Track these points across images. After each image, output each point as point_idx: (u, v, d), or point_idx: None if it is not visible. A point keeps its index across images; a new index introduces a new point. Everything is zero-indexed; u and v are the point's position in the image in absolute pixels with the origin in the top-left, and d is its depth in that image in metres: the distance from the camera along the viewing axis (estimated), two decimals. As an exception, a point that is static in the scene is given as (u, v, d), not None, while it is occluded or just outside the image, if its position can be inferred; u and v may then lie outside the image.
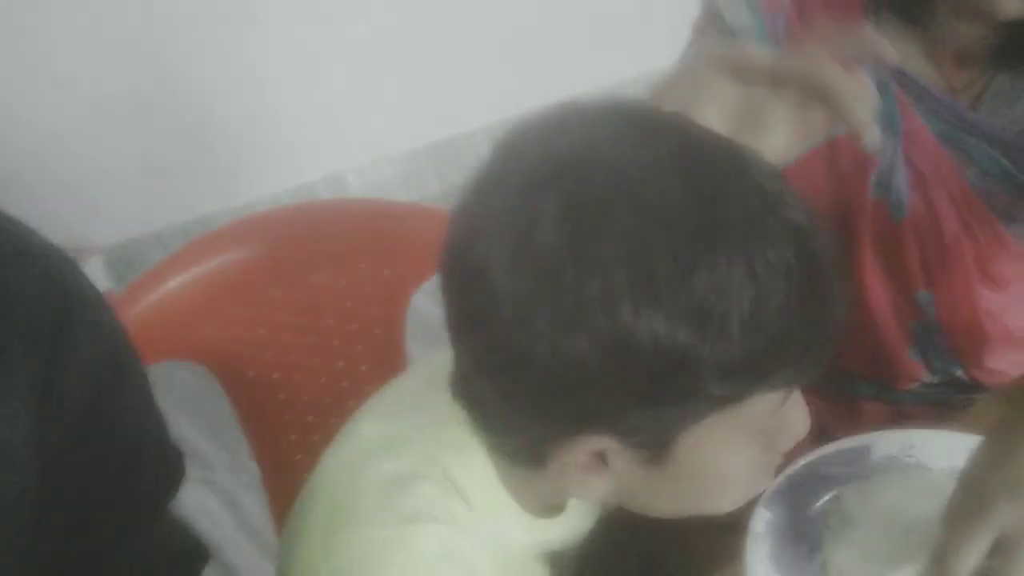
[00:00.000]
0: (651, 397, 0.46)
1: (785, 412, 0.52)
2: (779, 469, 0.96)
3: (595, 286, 0.42)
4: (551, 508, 0.62)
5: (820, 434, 1.00)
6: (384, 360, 1.00)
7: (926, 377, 0.98)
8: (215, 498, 1.72)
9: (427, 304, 0.83)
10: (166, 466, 0.62)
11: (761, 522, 0.66)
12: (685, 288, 0.42)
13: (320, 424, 0.94)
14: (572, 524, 0.64)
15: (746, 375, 0.45)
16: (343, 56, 2.36)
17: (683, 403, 0.46)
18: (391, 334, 1.01)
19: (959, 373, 0.97)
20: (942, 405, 0.99)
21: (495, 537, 0.58)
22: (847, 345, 1.00)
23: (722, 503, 0.56)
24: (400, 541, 0.52)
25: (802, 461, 0.70)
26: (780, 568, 0.63)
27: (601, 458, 0.50)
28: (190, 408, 1.88)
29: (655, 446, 0.49)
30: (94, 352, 0.54)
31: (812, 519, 0.67)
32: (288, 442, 0.97)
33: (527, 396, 0.48)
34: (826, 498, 0.69)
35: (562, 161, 0.46)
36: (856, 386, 1.02)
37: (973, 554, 0.53)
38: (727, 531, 0.94)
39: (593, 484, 0.51)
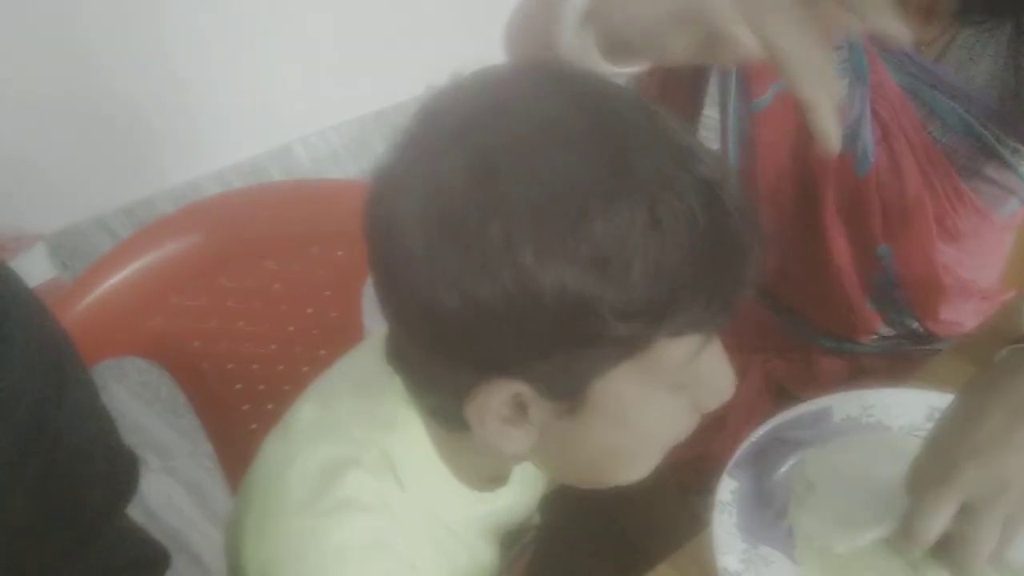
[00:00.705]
0: (556, 341, 0.46)
1: (705, 369, 0.52)
2: (743, 437, 0.98)
3: (498, 232, 0.44)
4: (492, 479, 0.63)
5: (780, 394, 1.01)
6: (343, 342, 0.96)
7: (883, 329, 1.00)
8: (177, 486, 1.69)
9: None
10: (117, 473, 0.60)
11: (727, 491, 0.66)
12: (585, 234, 0.43)
13: (280, 413, 0.93)
14: (516, 496, 0.65)
15: (647, 317, 0.46)
16: (281, 24, 2.30)
17: (588, 347, 0.47)
18: (349, 316, 0.99)
19: (915, 325, 0.98)
20: (898, 357, 1.00)
21: (433, 514, 0.59)
22: (809, 297, 1.01)
23: (641, 463, 0.56)
24: (326, 532, 0.53)
25: (764, 427, 0.70)
26: (747, 536, 0.64)
27: (520, 408, 0.50)
28: (146, 396, 1.85)
29: (569, 394, 0.50)
30: (32, 360, 0.52)
31: (777, 485, 0.68)
32: (247, 432, 0.95)
33: (441, 344, 0.49)
34: (790, 463, 0.69)
35: (472, 116, 0.47)
36: (815, 339, 1.03)
37: (940, 518, 0.54)
38: (693, 502, 0.95)
39: (514, 436, 0.52)
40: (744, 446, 0.69)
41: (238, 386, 0.94)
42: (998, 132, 0.85)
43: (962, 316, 0.99)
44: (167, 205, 2.14)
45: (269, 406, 0.97)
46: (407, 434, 0.57)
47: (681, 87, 0.98)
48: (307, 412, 0.59)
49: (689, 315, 0.47)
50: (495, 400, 0.50)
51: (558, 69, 0.51)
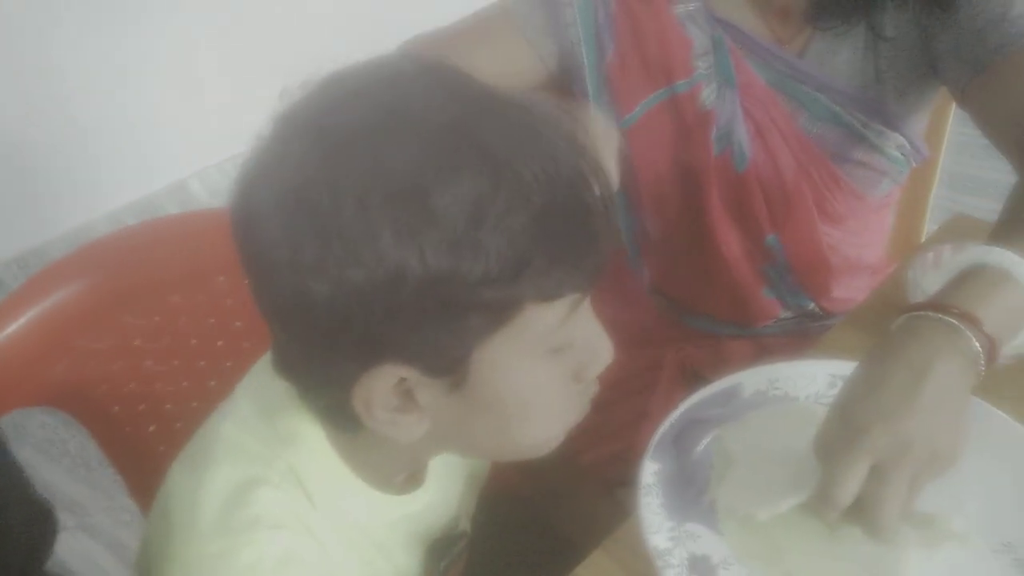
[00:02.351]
0: (425, 316, 0.47)
1: (579, 332, 0.53)
2: (660, 421, 1.00)
3: (352, 214, 0.45)
4: (406, 479, 0.63)
5: (695, 379, 1.05)
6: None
7: (782, 313, 1.04)
8: (95, 543, 1.62)
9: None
10: (34, 527, 0.58)
11: (649, 474, 0.68)
12: (434, 208, 0.44)
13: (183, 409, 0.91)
14: (434, 496, 0.65)
15: (505, 281, 0.46)
16: (170, 59, 2.25)
17: (457, 318, 0.48)
18: (262, 345, 0.97)
19: (811, 306, 1.03)
20: (799, 335, 1.05)
21: (349, 524, 0.59)
22: (707, 294, 1.05)
23: (536, 433, 0.57)
24: (236, 553, 0.52)
25: (679, 409, 0.73)
26: (672, 515, 0.66)
27: (407, 395, 0.51)
28: (53, 452, 1.77)
29: (450, 369, 0.50)
30: None
31: (696, 463, 0.70)
32: (147, 435, 0.92)
33: (316, 337, 0.49)
34: (707, 441, 0.72)
35: (324, 105, 0.48)
36: (720, 327, 1.07)
37: (853, 481, 0.56)
38: (623, 495, 0.97)
39: (406, 424, 0.52)
40: (662, 429, 0.71)
41: (152, 428, 0.91)
42: (863, 118, 0.90)
43: (853, 292, 1.04)
44: (61, 252, 2.06)
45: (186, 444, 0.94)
46: (309, 446, 0.57)
47: None
48: (211, 434, 0.59)
49: (548, 278, 0.48)
50: (379, 388, 0.50)
51: (422, 60, 0.52)
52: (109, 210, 2.25)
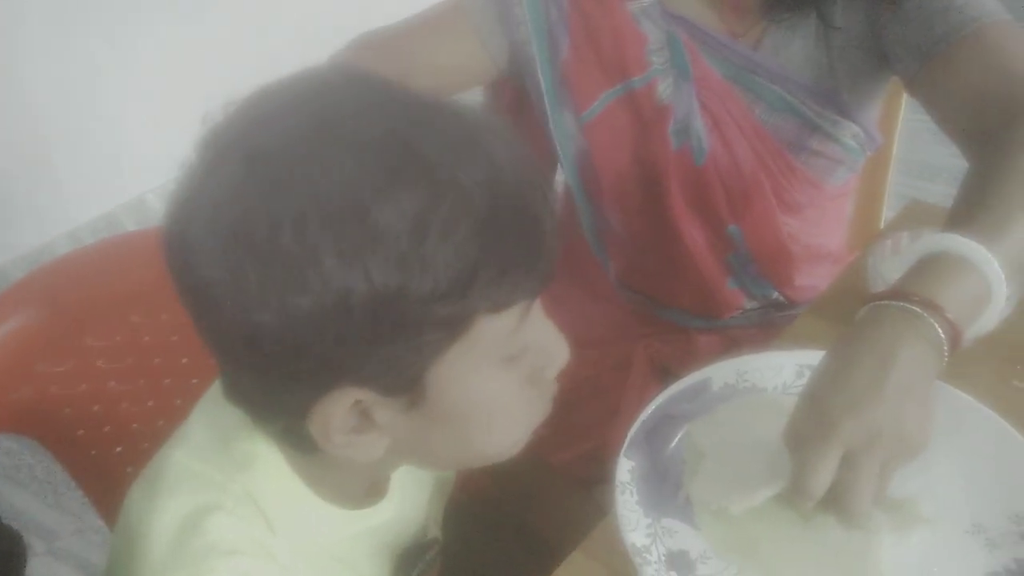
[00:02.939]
0: (376, 337, 0.46)
1: (532, 337, 0.52)
2: (631, 417, 1.01)
3: (290, 241, 0.43)
4: (369, 493, 0.62)
5: (665, 374, 1.05)
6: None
7: (747, 303, 1.05)
8: (66, 567, 1.59)
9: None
10: (3, 556, 0.57)
11: (624, 471, 0.68)
12: (374, 226, 0.43)
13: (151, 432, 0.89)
14: (399, 508, 0.64)
15: (454, 296, 0.46)
16: (124, 73, 2.21)
17: (410, 337, 0.47)
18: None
19: (775, 295, 1.05)
20: (766, 325, 1.06)
21: (310, 543, 0.58)
22: (672, 287, 1.05)
23: (499, 440, 0.56)
24: None
25: (651, 407, 0.73)
26: (649, 512, 0.66)
27: (364, 415, 0.50)
28: (19, 477, 1.73)
29: (406, 388, 0.50)
30: None
31: (670, 459, 0.70)
32: (115, 456, 0.91)
33: (267, 366, 0.48)
34: (679, 436, 0.72)
35: (255, 134, 0.46)
36: (687, 320, 1.08)
37: (825, 472, 0.57)
38: (598, 493, 0.98)
39: (364, 444, 0.52)
40: (635, 427, 0.71)
41: (119, 449, 0.90)
42: (817, 108, 0.91)
43: (816, 280, 1.06)
44: (22, 273, 2.02)
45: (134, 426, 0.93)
46: (266, 469, 0.56)
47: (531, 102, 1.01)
48: (163, 462, 0.57)
49: (499, 288, 0.47)
50: (337, 412, 0.49)
51: (349, 72, 0.50)
52: (68, 229, 2.21)
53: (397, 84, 0.49)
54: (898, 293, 0.62)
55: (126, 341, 0.88)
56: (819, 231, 1.04)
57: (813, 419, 0.59)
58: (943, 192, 2.25)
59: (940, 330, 0.60)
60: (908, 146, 1.25)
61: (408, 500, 0.67)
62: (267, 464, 0.56)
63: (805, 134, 0.93)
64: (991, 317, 0.64)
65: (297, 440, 0.53)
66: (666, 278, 1.04)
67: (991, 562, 0.60)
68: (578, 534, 0.90)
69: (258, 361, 0.48)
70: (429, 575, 0.74)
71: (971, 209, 0.68)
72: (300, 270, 0.43)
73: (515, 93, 1.05)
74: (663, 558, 0.63)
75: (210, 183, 0.46)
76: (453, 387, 0.50)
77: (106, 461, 0.88)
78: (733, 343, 1.05)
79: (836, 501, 0.58)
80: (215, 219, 0.45)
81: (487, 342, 0.49)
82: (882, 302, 0.62)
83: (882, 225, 1.27)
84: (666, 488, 0.68)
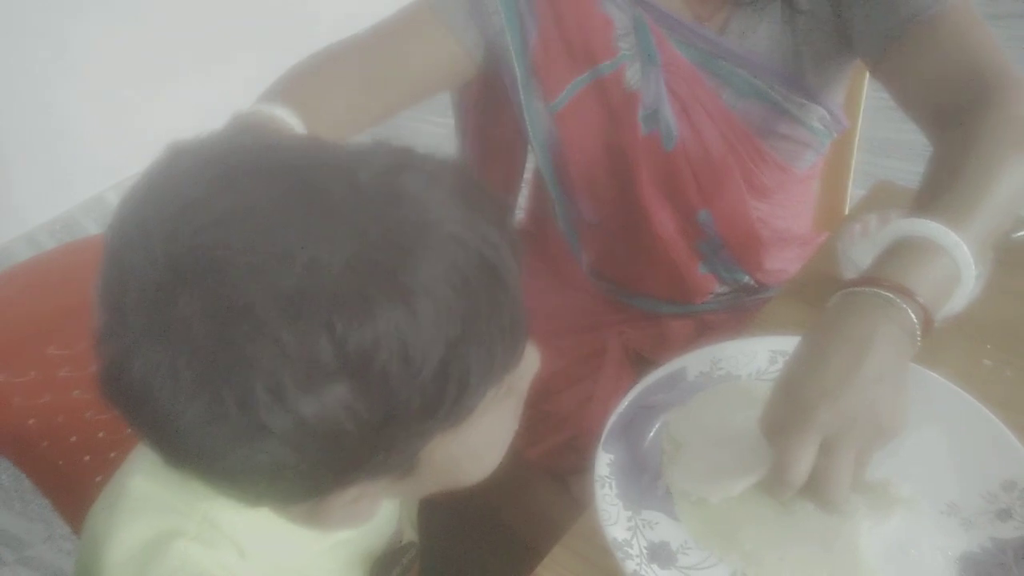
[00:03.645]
0: (368, 458, 0.45)
1: (517, 372, 0.51)
2: (612, 409, 1.01)
3: (260, 389, 0.39)
4: None
5: (639, 361, 1.05)
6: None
7: (718, 288, 1.06)
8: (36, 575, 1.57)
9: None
10: None
11: (603, 465, 0.68)
12: (347, 356, 0.40)
13: (117, 440, 0.87)
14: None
15: (451, 402, 0.44)
16: (77, 66, 2.16)
17: (401, 448, 0.46)
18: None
19: (745, 279, 1.05)
20: (737, 309, 1.07)
21: (278, 564, 0.57)
22: (644, 274, 1.05)
23: (483, 468, 0.56)
24: None
25: (627, 399, 0.73)
26: (629, 504, 0.66)
27: (359, 495, 0.50)
28: (-15, 487, 1.70)
29: (403, 470, 0.49)
30: None
31: (648, 450, 0.70)
32: (82, 464, 0.89)
33: (253, 492, 0.46)
34: (656, 427, 0.72)
35: (179, 256, 0.40)
36: (660, 306, 1.08)
37: (804, 461, 0.57)
38: (574, 483, 0.97)
39: (361, 512, 0.51)
40: (612, 419, 0.71)
41: (87, 458, 0.88)
42: (784, 91, 0.91)
43: (785, 263, 1.06)
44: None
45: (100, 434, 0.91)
46: (231, 502, 0.52)
47: (499, 101, 0.99)
48: (120, 488, 0.55)
49: (493, 377, 0.46)
50: (336, 504, 0.49)
51: (261, 162, 0.44)
52: (26, 230, 2.16)
53: (335, 166, 0.43)
54: (869, 279, 0.62)
55: (90, 349, 0.86)
56: (787, 214, 1.04)
57: (790, 408, 0.59)
58: (907, 168, 2.28)
59: (912, 315, 0.60)
60: (871, 124, 1.26)
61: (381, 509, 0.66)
62: None
63: (773, 118, 0.93)
64: (959, 299, 0.64)
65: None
66: (638, 265, 1.04)
67: (968, 541, 0.61)
68: (555, 527, 0.90)
69: (243, 490, 0.46)
70: None
71: (938, 192, 0.68)
72: (273, 418, 0.40)
73: (482, 89, 1.04)
74: (644, 551, 0.63)
75: (161, 321, 0.40)
76: (447, 449, 0.49)
77: (74, 472, 0.86)
78: (705, 328, 1.05)
79: (814, 489, 0.58)
80: (177, 367, 0.40)
81: (480, 409, 0.48)
82: (854, 289, 0.62)
83: (848, 205, 1.28)
84: (645, 480, 0.68)
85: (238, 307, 0.39)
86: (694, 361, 0.76)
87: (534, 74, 0.94)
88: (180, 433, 0.41)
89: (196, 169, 0.43)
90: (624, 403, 0.72)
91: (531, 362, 0.54)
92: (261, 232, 0.40)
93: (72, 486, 0.87)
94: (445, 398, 0.43)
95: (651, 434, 0.71)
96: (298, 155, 0.44)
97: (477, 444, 0.52)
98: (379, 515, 0.64)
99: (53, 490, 0.87)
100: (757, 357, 0.77)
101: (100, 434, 0.88)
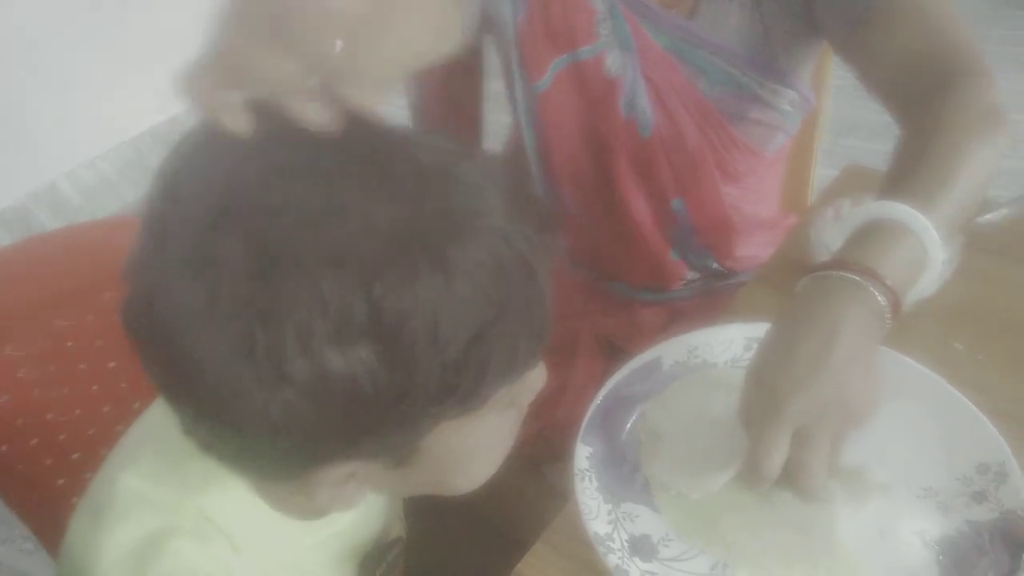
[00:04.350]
0: (377, 429, 0.44)
1: (525, 382, 0.51)
2: (585, 398, 1.00)
3: (291, 334, 0.39)
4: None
5: (611, 350, 1.05)
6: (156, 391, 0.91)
7: (688, 274, 1.05)
8: (-3, 579, 1.53)
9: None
10: None
11: (582, 457, 0.67)
12: (380, 319, 0.40)
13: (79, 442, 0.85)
14: (359, 512, 0.64)
15: (465, 391, 0.44)
16: (26, 52, 2.09)
17: (409, 428, 0.46)
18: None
19: (715, 266, 1.05)
20: (707, 296, 1.07)
21: (272, 559, 0.56)
22: (619, 259, 1.05)
23: (478, 475, 0.56)
24: None
25: (604, 389, 0.72)
26: (610, 496, 0.65)
27: (350, 476, 0.49)
28: (-61, 487, 1.65)
29: (402, 456, 0.49)
30: None
31: (627, 441, 0.70)
32: (69, 507, 0.87)
33: (253, 449, 0.45)
34: (634, 417, 0.71)
35: (235, 196, 0.41)
36: (633, 294, 1.07)
37: (778, 452, 0.57)
38: (549, 472, 0.97)
39: (346, 497, 0.51)
40: (590, 411, 0.70)
41: (48, 461, 0.85)
42: (758, 78, 0.91)
43: (754, 249, 1.06)
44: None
45: (88, 475, 0.88)
46: (225, 490, 0.53)
47: (458, 80, 0.98)
48: (110, 487, 0.54)
49: (514, 368, 0.46)
50: (323, 481, 0.48)
51: (303, 133, 0.44)
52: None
53: (368, 132, 0.43)
54: (838, 263, 0.62)
55: (49, 348, 0.83)
56: (757, 197, 1.04)
57: (761, 397, 0.59)
58: (866, 147, 2.31)
59: (881, 298, 0.60)
60: (832, 103, 1.26)
61: (367, 505, 0.65)
62: (225, 485, 0.53)
63: (746, 104, 0.92)
64: (928, 282, 0.65)
65: (269, 480, 0.52)
66: (614, 251, 1.04)
67: (944, 524, 0.62)
68: (530, 514, 0.90)
69: (239, 442, 0.44)
70: (393, 573, 0.73)
71: (906, 176, 0.68)
72: (296, 368, 0.40)
73: (444, 71, 1.02)
74: (626, 544, 0.62)
75: (199, 260, 0.40)
76: (446, 444, 0.49)
77: (35, 476, 0.83)
78: (677, 314, 1.05)
79: (792, 479, 0.58)
80: (212, 304, 0.40)
81: (487, 406, 0.48)
82: (822, 272, 0.62)
83: (812, 185, 1.28)
84: (624, 471, 0.68)
85: (284, 252, 0.39)
86: (670, 350, 0.76)
87: (520, 52, 0.92)
88: (201, 370, 0.41)
89: (263, 119, 0.43)
90: (601, 394, 0.72)
91: (537, 378, 0.53)
92: (319, 186, 0.41)
93: (33, 490, 0.84)
94: (462, 382, 0.43)
95: (629, 425, 0.71)
96: (363, 124, 0.44)
97: (475, 447, 0.52)
98: (368, 509, 0.65)
99: (13, 493, 0.84)
100: (733, 344, 0.76)
101: (61, 436, 0.85)
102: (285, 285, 0.39)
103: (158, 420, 0.57)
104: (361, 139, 0.43)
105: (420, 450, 0.48)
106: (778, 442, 0.56)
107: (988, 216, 0.82)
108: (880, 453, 0.65)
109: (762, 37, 0.89)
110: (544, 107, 0.93)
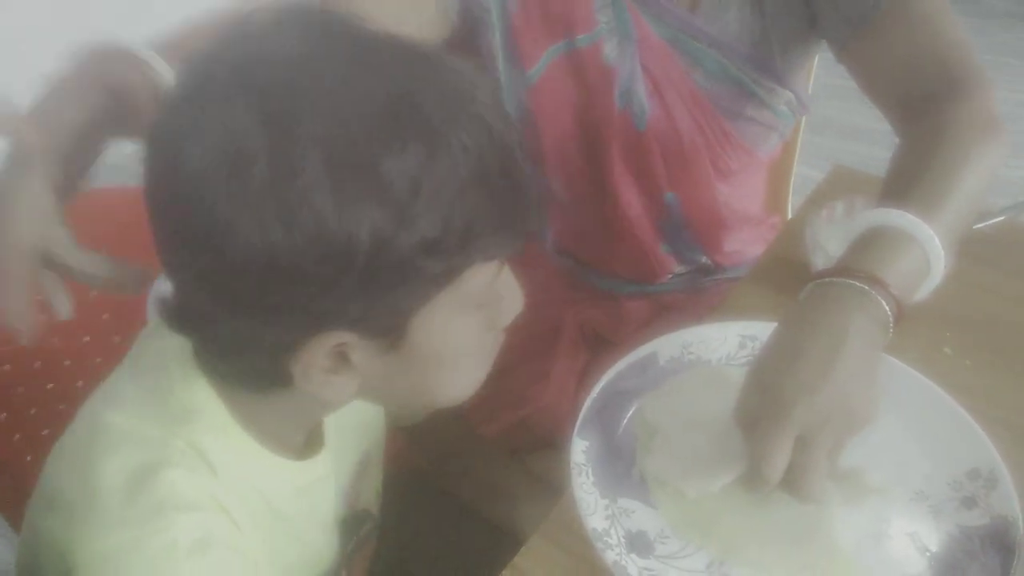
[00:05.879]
0: (369, 285, 0.46)
1: (499, 288, 0.55)
2: (567, 388, 0.99)
3: (296, 185, 0.43)
4: (308, 444, 0.62)
5: (595, 340, 1.05)
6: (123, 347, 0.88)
7: (677, 268, 1.05)
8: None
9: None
10: None
11: (579, 452, 0.67)
12: (378, 176, 0.44)
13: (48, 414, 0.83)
14: (334, 463, 0.65)
15: (450, 251, 0.47)
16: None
17: (401, 286, 0.48)
18: (133, 333, 0.89)
19: (704, 260, 1.05)
20: (693, 291, 1.07)
21: (257, 498, 0.57)
22: (607, 251, 1.04)
23: (461, 384, 0.58)
24: (147, 540, 0.50)
25: (600, 383, 0.72)
26: (606, 492, 0.65)
27: (341, 357, 0.51)
28: None
29: (390, 333, 0.51)
30: None
31: (623, 436, 0.69)
32: (12, 444, 0.84)
33: (253, 306, 0.47)
34: (630, 413, 0.71)
35: (253, 70, 0.46)
36: (621, 286, 1.07)
37: (781, 456, 0.57)
38: (529, 462, 0.97)
39: (339, 385, 0.52)
40: (587, 405, 0.70)
41: (17, 436, 0.82)
42: (755, 75, 0.91)
43: (741, 245, 1.07)
44: None
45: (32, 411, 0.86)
46: (208, 420, 0.55)
47: None
48: (94, 425, 0.55)
49: (489, 242, 0.49)
50: (317, 354, 0.49)
51: (324, 18, 0.50)
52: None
53: (389, 32, 0.49)
54: (843, 270, 0.62)
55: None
56: (746, 195, 1.04)
57: (765, 401, 0.59)
58: (839, 146, 2.33)
59: (886, 306, 0.60)
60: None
61: (342, 457, 0.66)
62: (208, 414, 0.55)
63: (742, 101, 0.92)
64: (925, 290, 0.65)
65: (252, 380, 0.54)
66: (603, 243, 1.03)
67: (937, 528, 0.63)
68: (518, 506, 0.89)
69: (242, 299, 0.47)
70: (363, 551, 0.73)
71: (908, 183, 0.68)
72: (300, 213, 0.43)
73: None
74: (623, 540, 0.62)
75: (211, 113, 0.45)
76: (432, 330, 0.51)
77: (3, 451, 0.80)
78: (662, 308, 1.05)
79: (791, 482, 0.58)
80: (220, 151, 0.44)
81: (469, 290, 0.50)
82: (827, 279, 0.62)
83: (792, 184, 1.29)
84: (620, 466, 0.67)
85: (293, 118, 0.44)
86: (665, 346, 0.76)
87: (512, 42, 0.91)
88: (211, 216, 0.44)
89: (281, 17, 0.49)
90: (597, 389, 0.71)
91: (514, 300, 0.57)
92: (325, 71, 0.46)
93: (4, 466, 0.81)
94: (449, 239, 0.46)
95: (625, 420, 0.71)
96: (371, 29, 0.50)
97: (456, 349, 0.54)
98: (341, 464, 0.66)
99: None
100: (727, 342, 0.76)
101: (32, 411, 0.82)
102: (293, 144, 0.43)
103: (139, 363, 0.59)
104: (370, 33, 0.49)
105: (407, 336, 0.51)
106: (782, 447, 0.56)
107: (979, 225, 0.83)
108: (872, 456, 0.65)
109: (761, 35, 0.89)
110: (535, 96, 0.92)
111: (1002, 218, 0.85)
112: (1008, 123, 0.73)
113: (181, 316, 0.52)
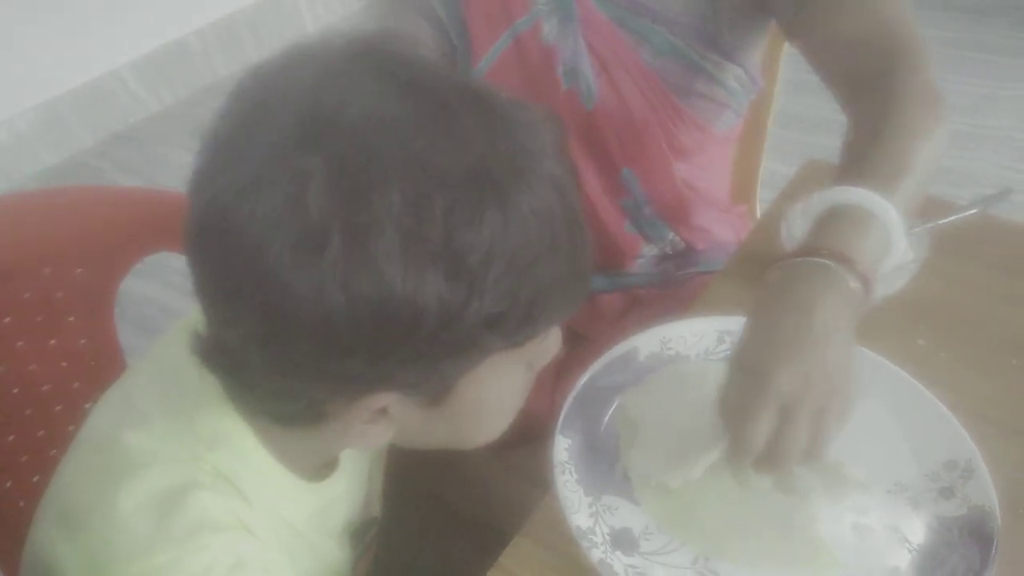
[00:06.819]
0: (427, 355, 0.46)
1: (548, 340, 0.55)
2: (547, 385, 0.99)
3: (363, 248, 0.42)
4: (323, 467, 0.63)
5: (572, 337, 1.04)
6: (99, 371, 0.86)
7: (645, 249, 1.05)
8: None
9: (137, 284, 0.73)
10: None
11: (562, 450, 0.67)
12: (451, 250, 0.43)
13: (40, 461, 0.81)
14: (348, 482, 0.65)
15: (515, 323, 0.47)
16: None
17: (459, 355, 0.47)
18: (102, 340, 0.87)
19: (671, 235, 1.05)
20: (667, 284, 1.07)
21: (279, 518, 0.57)
22: None
23: (492, 429, 0.58)
24: (188, 559, 0.50)
25: (581, 381, 0.71)
26: (590, 489, 0.65)
27: (383, 411, 0.51)
28: None
29: (437, 393, 0.50)
30: None
31: (605, 433, 0.69)
32: (3, 491, 0.82)
33: (301, 364, 0.46)
34: (612, 409, 0.71)
35: (320, 117, 0.44)
36: (592, 279, 1.06)
37: (763, 428, 0.56)
38: (514, 460, 0.96)
39: (374, 434, 0.52)
40: (568, 403, 0.70)
41: (8, 484, 0.80)
42: (701, 49, 0.90)
43: (709, 223, 1.06)
44: None
45: (24, 458, 0.84)
46: (238, 447, 0.55)
47: None
48: (112, 446, 0.53)
49: (553, 312, 0.48)
50: (361, 411, 0.49)
51: (388, 57, 0.48)
52: None
53: (449, 79, 0.47)
54: (808, 250, 0.62)
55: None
56: (706, 175, 1.04)
57: (746, 380, 0.58)
58: (807, 140, 2.34)
59: (853, 280, 0.60)
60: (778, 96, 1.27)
61: (354, 474, 0.67)
62: (236, 440, 0.54)
63: (690, 76, 0.92)
64: (891, 268, 0.65)
65: (285, 420, 0.53)
66: None
67: (915, 520, 0.63)
68: (503, 503, 0.89)
69: (288, 354, 0.45)
70: (366, 557, 0.74)
71: (862, 159, 0.68)
72: (361, 280, 0.42)
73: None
74: (608, 538, 0.62)
75: (280, 171, 0.42)
76: (478, 390, 0.51)
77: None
78: (635, 303, 1.05)
79: (772, 457, 0.57)
80: (291, 213, 0.42)
81: (523, 353, 0.51)
82: (793, 259, 0.62)
83: (760, 176, 1.30)
84: (603, 463, 0.67)
85: (367, 174, 0.42)
86: (644, 341, 0.76)
87: (468, 39, 0.91)
88: (270, 278, 0.42)
89: (345, 59, 0.47)
90: (577, 387, 0.71)
91: (554, 342, 0.56)
92: (398, 135, 0.44)
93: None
94: (515, 312, 0.46)
95: (607, 417, 0.71)
96: (436, 70, 0.48)
97: (498, 398, 0.54)
98: (353, 480, 0.67)
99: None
100: (705, 337, 0.77)
101: (10, 438, 0.81)
102: (369, 216, 0.41)
103: (157, 383, 0.57)
104: (437, 81, 0.46)
105: (454, 391, 0.50)
106: (763, 417, 0.56)
107: (952, 218, 0.84)
108: (849, 448, 0.65)
109: (709, 10, 0.89)
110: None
111: (974, 211, 0.85)
112: (969, 115, 0.74)
113: (217, 356, 0.50)
